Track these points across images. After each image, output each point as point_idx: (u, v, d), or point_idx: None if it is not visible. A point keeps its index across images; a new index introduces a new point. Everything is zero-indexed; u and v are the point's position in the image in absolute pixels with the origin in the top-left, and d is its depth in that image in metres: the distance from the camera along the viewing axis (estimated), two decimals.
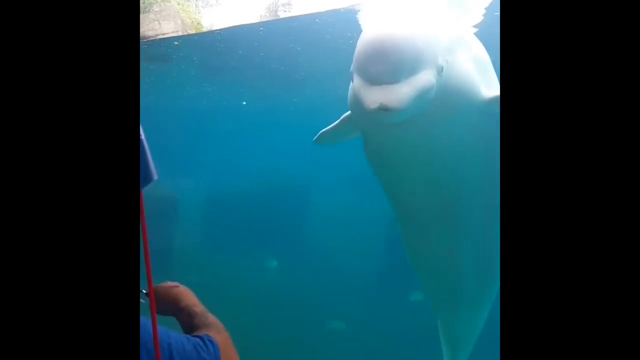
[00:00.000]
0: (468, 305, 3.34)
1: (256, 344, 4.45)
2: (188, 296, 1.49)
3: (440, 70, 2.31)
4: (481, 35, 3.00)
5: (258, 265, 7.51)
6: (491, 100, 2.54)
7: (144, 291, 1.40)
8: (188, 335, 1.34)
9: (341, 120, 3.19)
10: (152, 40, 5.95)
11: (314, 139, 3.43)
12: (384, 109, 2.19)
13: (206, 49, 6.66)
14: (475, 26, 4.54)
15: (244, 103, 8.88)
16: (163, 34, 6.04)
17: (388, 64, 2.20)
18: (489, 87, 2.63)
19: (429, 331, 5.43)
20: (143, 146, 1.02)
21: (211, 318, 1.44)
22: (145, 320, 1.18)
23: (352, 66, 2.40)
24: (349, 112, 2.96)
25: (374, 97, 2.20)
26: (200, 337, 1.32)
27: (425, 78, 2.25)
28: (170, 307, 1.49)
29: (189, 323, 1.44)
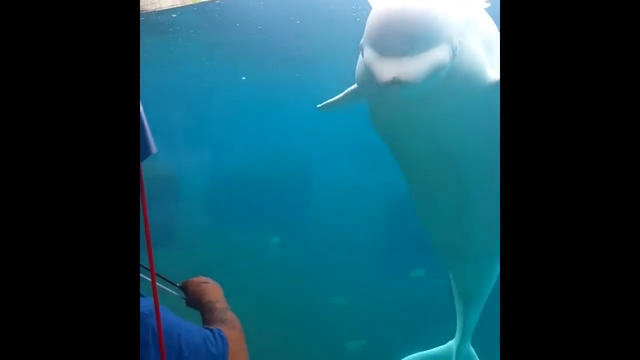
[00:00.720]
0: (478, 259, 3.35)
1: (258, 319, 4.48)
2: (214, 293, 1.56)
3: (454, 49, 2.29)
4: (493, 10, 2.94)
5: (260, 242, 7.53)
6: (498, 83, 2.52)
7: (178, 283, 1.56)
8: (200, 327, 1.36)
9: (346, 94, 3.17)
10: (149, 13, 5.82)
11: (318, 105, 3.42)
12: (397, 82, 2.15)
13: (204, 22, 6.54)
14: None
15: (244, 78, 8.77)
16: (162, 8, 5.92)
17: (404, 36, 2.17)
18: (497, 68, 2.62)
19: (431, 307, 5.48)
20: (142, 119, 1.01)
21: (229, 315, 1.48)
22: (161, 308, 1.18)
23: (362, 39, 2.36)
24: (354, 86, 2.94)
25: (388, 69, 2.16)
26: (211, 331, 1.35)
27: (440, 54, 2.22)
28: (196, 301, 1.55)
29: (207, 317, 1.49)
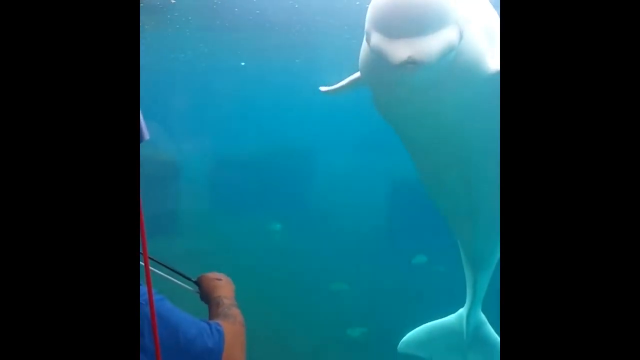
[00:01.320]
0: (485, 228, 3.36)
1: (260, 306, 4.49)
2: (225, 289, 1.60)
3: (461, 32, 2.29)
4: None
5: (262, 229, 7.54)
6: (499, 73, 2.53)
7: (194, 278, 1.61)
8: (198, 320, 1.37)
9: (348, 82, 3.16)
10: None
11: (322, 89, 3.40)
12: (412, 62, 2.14)
13: (203, 7, 6.47)
14: None
15: (243, 64, 8.71)
16: None
17: (414, 16, 2.16)
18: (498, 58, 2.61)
19: (432, 293, 5.50)
20: None
21: (233, 310, 1.51)
22: (157, 297, 1.21)
23: (367, 25, 2.35)
24: (357, 74, 2.92)
25: (401, 50, 2.15)
26: (209, 324, 1.36)
27: (450, 34, 2.22)
28: (207, 295, 1.60)
29: (213, 311, 1.53)
